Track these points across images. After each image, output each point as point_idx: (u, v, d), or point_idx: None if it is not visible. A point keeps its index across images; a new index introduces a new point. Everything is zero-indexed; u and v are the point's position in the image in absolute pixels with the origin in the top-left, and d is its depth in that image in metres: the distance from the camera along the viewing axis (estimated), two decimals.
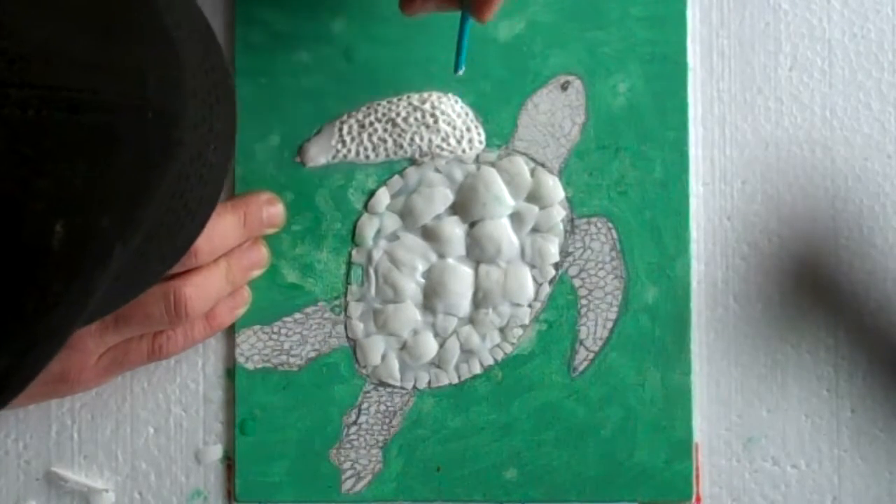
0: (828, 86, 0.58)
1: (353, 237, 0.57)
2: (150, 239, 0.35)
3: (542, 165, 0.57)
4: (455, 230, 0.57)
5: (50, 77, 0.28)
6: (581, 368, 0.57)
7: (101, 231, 0.31)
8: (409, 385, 0.57)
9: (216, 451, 0.57)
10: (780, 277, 0.57)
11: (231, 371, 0.57)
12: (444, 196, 0.57)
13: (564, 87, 0.57)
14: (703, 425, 0.57)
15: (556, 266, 0.57)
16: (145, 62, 0.32)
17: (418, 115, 0.56)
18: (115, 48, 0.31)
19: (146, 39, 0.32)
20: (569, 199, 0.57)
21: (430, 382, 0.57)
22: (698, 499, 0.57)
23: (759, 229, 0.57)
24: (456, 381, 0.57)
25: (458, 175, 0.57)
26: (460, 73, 0.53)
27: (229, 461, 0.57)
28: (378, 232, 0.57)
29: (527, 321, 0.57)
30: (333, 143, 0.57)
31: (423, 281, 0.57)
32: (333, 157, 0.57)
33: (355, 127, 0.57)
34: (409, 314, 0.57)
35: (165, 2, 0.35)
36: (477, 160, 0.57)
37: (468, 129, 0.57)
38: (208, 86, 0.36)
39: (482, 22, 0.49)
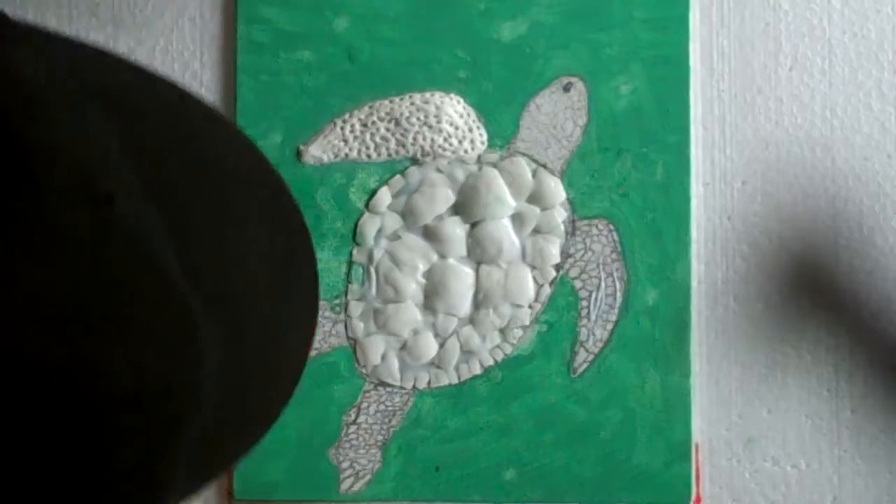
0: (828, 86, 0.58)
1: (355, 236, 0.57)
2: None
3: (544, 167, 0.57)
4: (456, 230, 0.56)
5: None
6: (581, 370, 0.57)
7: None
8: (409, 385, 0.57)
9: None
10: (780, 277, 0.57)
11: None
12: (445, 196, 0.56)
13: (567, 88, 0.57)
14: (703, 426, 0.57)
15: (557, 267, 0.57)
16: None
17: (421, 114, 0.56)
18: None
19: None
20: (570, 201, 0.57)
21: (429, 382, 0.57)
22: (699, 499, 0.57)
23: (759, 229, 0.57)
24: (456, 381, 0.57)
25: (460, 175, 0.56)
26: None
27: None
28: (379, 231, 0.57)
29: (527, 322, 0.57)
30: (335, 141, 0.57)
31: (423, 281, 0.57)
32: (335, 156, 0.57)
33: (357, 126, 0.57)
34: (410, 314, 0.57)
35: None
36: (479, 161, 0.57)
37: (470, 130, 0.57)
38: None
39: None
